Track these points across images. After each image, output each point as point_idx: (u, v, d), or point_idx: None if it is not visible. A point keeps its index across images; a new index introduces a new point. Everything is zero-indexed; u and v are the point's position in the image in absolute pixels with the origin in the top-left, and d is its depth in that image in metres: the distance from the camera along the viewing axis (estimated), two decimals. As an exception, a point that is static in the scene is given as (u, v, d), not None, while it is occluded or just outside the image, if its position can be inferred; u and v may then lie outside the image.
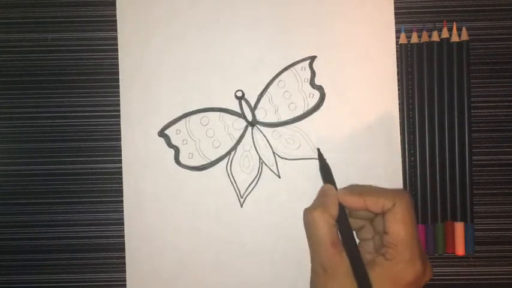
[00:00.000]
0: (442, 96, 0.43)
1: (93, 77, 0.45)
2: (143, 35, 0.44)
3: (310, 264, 0.37)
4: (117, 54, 0.44)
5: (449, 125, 0.43)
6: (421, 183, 0.43)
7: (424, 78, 0.43)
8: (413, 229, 0.36)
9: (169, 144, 0.44)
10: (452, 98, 0.43)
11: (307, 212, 0.37)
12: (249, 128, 0.44)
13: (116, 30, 0.45)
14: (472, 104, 0.43)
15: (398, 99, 0.44)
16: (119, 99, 0.44)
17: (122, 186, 0.44)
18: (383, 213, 0.37)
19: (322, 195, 0.39)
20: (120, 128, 0.44)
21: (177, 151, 0.44)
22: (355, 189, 0.38)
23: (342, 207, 0.37)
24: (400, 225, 0.35)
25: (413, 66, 0.44)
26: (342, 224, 0.37)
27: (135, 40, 0.44)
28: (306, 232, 0.38)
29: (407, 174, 0.43)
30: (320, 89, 0.44)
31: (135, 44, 0.44)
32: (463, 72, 0.43)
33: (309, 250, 0.37)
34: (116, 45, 0.44)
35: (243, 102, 0.44)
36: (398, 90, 0.44)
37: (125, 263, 0.44)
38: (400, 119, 0.44)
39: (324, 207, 0.37)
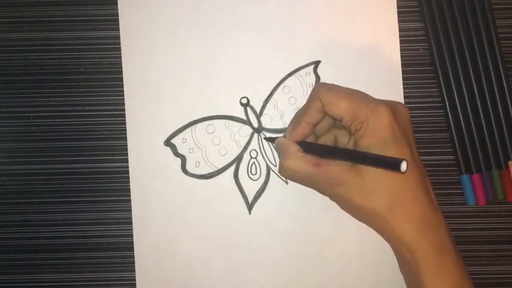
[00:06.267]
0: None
1: (96, 76, 0.44)
2: (146, 44, 0.44)
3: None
4: (119, 53, 0.44)
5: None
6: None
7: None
8: (347, 94, 0.37)
9: (176, 153, 0.44)
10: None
11: (283, 173, 0.39)
12: (255, 135, 0.44)
13: (118, 29, 0.44)
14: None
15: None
16: (123, 98, 0.44)
17: (129, 186, 0.43)
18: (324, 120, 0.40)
19: (277, 149, 0.42)
20: (125, 126, 0.44)
21: (183, 160, 0.44)
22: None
23: (300, 142, 0.39)
24: (337, 106, 0.37)
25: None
26: (310, 148, 0.39)
27: (138, 44, 0.44)
28: (301, 182, 0.40)
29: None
30: (325, 93, 0.44)
31: (139, 52, 0.44)
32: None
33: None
34: (118, 44, 0.44)
35: (248, 109, 0.44)
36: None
37: (133, 263, 0.43)
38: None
39: (285, 157, 0.38)
